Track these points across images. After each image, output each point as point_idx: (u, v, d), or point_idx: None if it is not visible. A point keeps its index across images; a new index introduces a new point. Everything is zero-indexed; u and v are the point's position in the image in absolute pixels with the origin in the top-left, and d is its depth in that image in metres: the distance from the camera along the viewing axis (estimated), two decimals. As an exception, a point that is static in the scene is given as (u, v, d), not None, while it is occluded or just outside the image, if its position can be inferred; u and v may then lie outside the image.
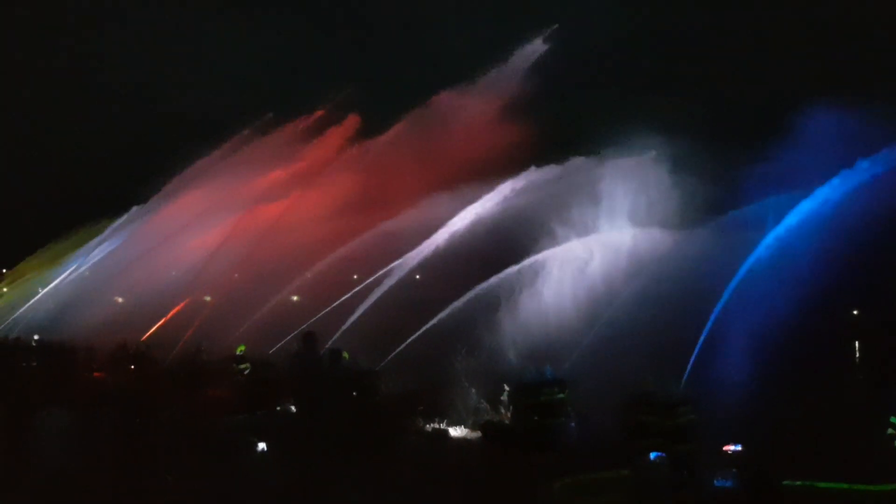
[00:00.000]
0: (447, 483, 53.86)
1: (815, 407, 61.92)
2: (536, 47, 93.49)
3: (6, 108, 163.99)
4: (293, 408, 75.27)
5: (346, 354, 77.99)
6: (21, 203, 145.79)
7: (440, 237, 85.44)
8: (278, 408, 75.33)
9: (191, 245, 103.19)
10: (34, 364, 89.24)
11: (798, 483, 47.88)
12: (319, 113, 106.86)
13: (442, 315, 77.73)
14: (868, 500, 47.28)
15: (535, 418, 62.34)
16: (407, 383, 70.64)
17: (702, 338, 62.67)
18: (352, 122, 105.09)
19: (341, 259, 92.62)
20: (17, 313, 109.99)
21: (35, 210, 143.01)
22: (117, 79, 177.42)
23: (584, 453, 55.91)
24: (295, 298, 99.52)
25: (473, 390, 67.69)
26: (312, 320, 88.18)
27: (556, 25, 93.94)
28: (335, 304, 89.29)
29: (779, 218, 67.83)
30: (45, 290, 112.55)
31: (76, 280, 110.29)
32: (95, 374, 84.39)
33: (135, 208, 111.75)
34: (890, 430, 55.40)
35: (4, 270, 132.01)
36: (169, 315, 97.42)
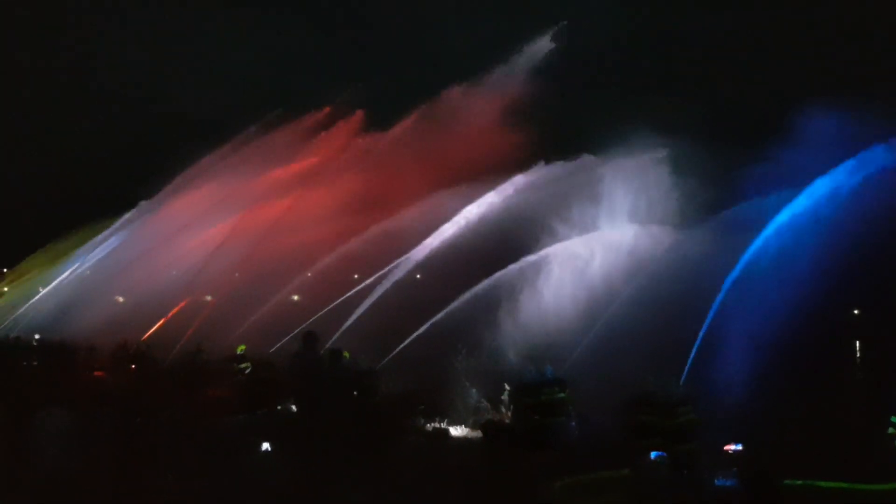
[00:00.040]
0: (447, 482, 53.84)
1: (815, 406, 62.03)
2: (544, 45, 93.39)
3: (6, 108, 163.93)
4: (294, 407, 75.28)
5: (346, 354, 77.95)
6: (21, 203, 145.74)
7: (440, 236, 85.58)
8: (279, 407, 75.35)
9: (192, 245, 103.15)
10: (34, 363, 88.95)
11: (799, 482, 47.91)
12: (320, 113, 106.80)
13: (441, 314, 77.84)
14: (869, 500, 47.32)
15: (536, 418, 62.36)
16: (407, 383, 70.63)
17: (699, 337, 62.78)
18: (353, 121, 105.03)
19: (342, 258, 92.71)
20: (18, 312, 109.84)
21: (35, 210, 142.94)
22: (117, 79, 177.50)
23: (585, 453, 55.94)
24: (295, 298, 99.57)
25: (474, 390, 67.77)
26: (312, 319, 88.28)
27: (565, 22, 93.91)
28: (336, 304, 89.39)
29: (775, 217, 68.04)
30: (46, 289, 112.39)
31: (77, 279, 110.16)
32: (96, 373, 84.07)
33: (143, 202, 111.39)
34: (891, 430, 55.49)
35: (5, 270, 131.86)
36: (169, 315, 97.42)
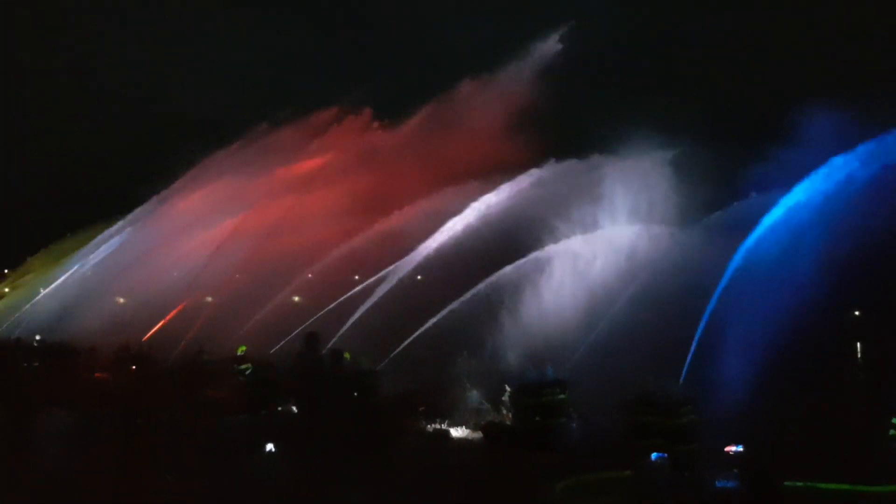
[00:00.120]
0: (449, 483, 53.92)
1: (815, 407, 62.07)
2: (552, 46, 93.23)
3: (6, 108, 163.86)
4: (294, 408, 75.33)
5: (347, 355, 78.04)
6: (22, 203, 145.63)
7: (440, 237, 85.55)
8: (280, 408, 75.40)
9: (193, 245, 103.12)
10: (36, 364, 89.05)
11: (799, 484, 48.02)
12: (321, 113, 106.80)
13: (441, 315, 77.83)
14: (869, 501, 47.38)
15: (537, 419, 62.51)
16: (408, 384, 70.73)
17: (696, 337, 62.75)
18: (356, 121, 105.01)
19: (343, 259, 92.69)
20: (19, 313, 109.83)
21: (36, 210, 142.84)
22: (117, 79, 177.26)
23: (586, 453, 56.07)
24: (296, 299, 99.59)
25: (475, 391, 67.83)
26: (312, 320, 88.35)
27: (573, 21, 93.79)
28: (335, 304, 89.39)
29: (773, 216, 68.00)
30: (47, 290, 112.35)
31: (77, 280, 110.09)
32: (97, 374, 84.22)
33: (154, 198, 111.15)
34: (891, 431, 55.53)
35: (6, 271, 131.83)
36: (170, 315, 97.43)
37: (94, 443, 66.16)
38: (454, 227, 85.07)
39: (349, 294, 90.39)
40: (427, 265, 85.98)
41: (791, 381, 65.57)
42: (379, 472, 56.29)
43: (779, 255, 65.71)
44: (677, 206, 74.50)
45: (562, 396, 63.30)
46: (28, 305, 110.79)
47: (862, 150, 66.23)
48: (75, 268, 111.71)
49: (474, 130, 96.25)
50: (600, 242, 75.93)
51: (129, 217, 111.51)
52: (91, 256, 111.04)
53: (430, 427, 67.22)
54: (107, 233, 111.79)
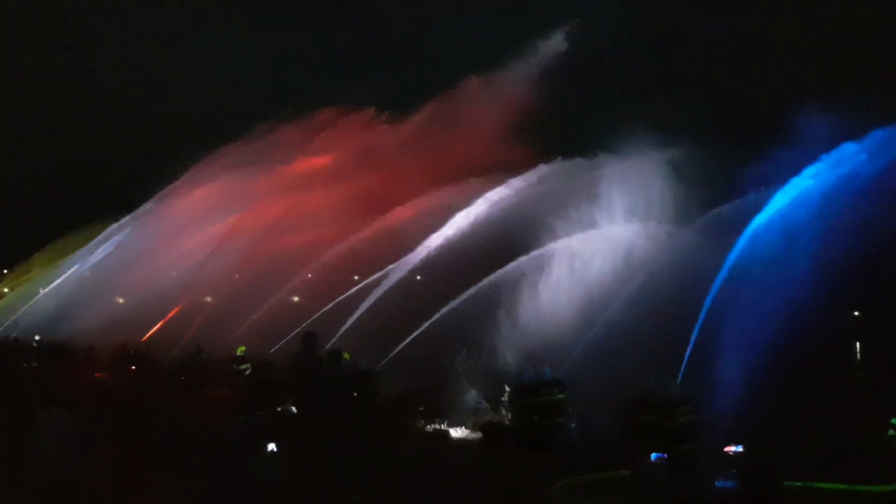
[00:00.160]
0: (448, 484, 53.91)
1: (815, 408, 62.02)
2: (557, 45, 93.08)
3: (6, 108, 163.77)
4: (294, 408, 75.30)
5: (346, 355, 78.01)
6: (21, 203, 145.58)
7: (439, 237, 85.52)
8: (279, 408, 75.38)
9: (192, 245, 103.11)
10: (34, 364, 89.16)
11: (799, 484, 47.96)
12: (320, 112, 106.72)
13: (440, 315, 77.79)
14: (868, 501, 47.35)
15: (535, 419, 62.40)
16: (407, 384, 70.73)
17: (693, 336, 62.64)
18: (354, 121, 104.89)
19: (342, 259, 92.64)
20: (18, 313, 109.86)
21: (35, 210, 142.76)
22: (117, 79, 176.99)
23: (584, 454, 55.98)
24: (295, 299, 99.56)
25: (474, 391, 67.78)
26: (311, 320, 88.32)
27: (579, 20, 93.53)
28: (335, 304, 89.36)
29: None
30: (46, 290, 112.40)
31: (76, 280, 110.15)
32: (96, 374, 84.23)
33: (154, 198, 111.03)
34: (891, 431, 55.48)
35: (5, 271, 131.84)
36: (169, 315, 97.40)
37: (94, 443, 66.25)
38: (453, 226, 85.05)
39: (348, 293, 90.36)
40: (426, 265, 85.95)
41: (790, 381, 65.49)
42: (378, 472, 56.32)
43: (778, 254, 65.60)
44: (677, 206, 74.39)
45: (560, 396, 63.18)
46: (27, 305, 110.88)
47: (872, 139, 65.42)
48: (74, 268, 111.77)
49: (474, 130, 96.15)
50: (599, 242, 75.84)
51: (128, 217, 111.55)
52: (90, 256, 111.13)
53: (429, 427, 67.19)
54: (106, 233, 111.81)
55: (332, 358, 77.94)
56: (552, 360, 65.87)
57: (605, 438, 57.17)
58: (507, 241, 79.76)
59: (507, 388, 65.78)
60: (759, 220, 67.66)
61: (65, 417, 73.23)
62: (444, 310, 77.84)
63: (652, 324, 65.14)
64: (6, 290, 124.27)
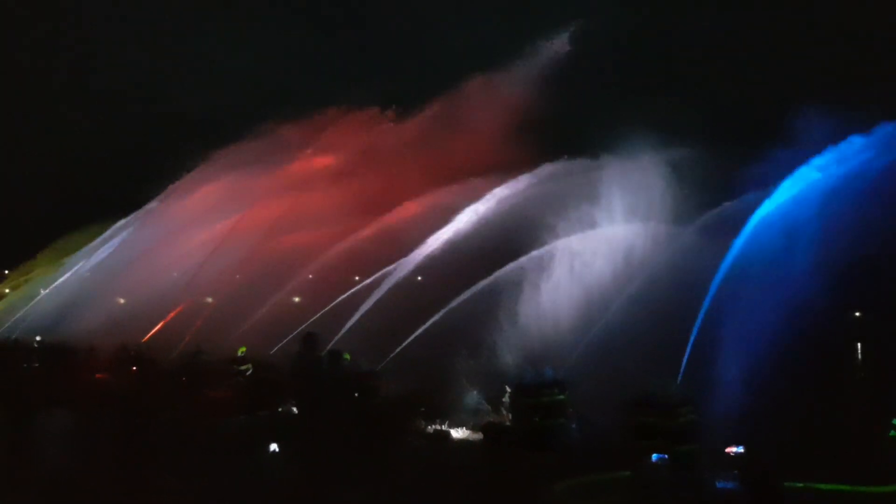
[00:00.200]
0: (449, 484, 53.95)
1: (816, 408, 62.05)
2: (561, 46, 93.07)
3: (6, 108, 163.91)
4: (294, 409, 75.34)
5: (347, 356, 78.00)
6: (22, 204, 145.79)
7: (439, 238, 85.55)
8: (280, 409, 75.44)
9: (193, 245, 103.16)
10: (35, 365, 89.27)
11: (800, 485, 47.98)
12: (320, 112, 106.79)
13: (440, 315, 77.80)
14: (869, 502, 47.39)
15: (536, 419, 62.44)
16: (408, 384, 70.75)
17: (692, 337, 62.59)
18: (353, 121, 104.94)
19: (343, 259, 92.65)
20: (19, 314, 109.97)
21: (36, 210, 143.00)
22: (117, 79, 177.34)
23: (585, 454, 56.02)
24: (296, 299, 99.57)
25: (474, 391, 67.81)
26: (311, 320, 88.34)
27: (581, 20, 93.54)
28: (335, 304, 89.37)
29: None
30: (47, 291, 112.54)
31: (77, 281, 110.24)
32: (97, 375, 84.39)
33: (154, 198, 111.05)
34: (892, 432, 55.51)
35: (6, 272, 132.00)
36: (170, 316, 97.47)
37: (95, 443, 66.34)
38: (454, 227, 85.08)
39: (348, 293, 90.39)
40: (426, 265, 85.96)
41: (792, 382, 65.52)
42: (379, 472, 56.36)
43: (779, 254, 65.54)
44: (677, 206, 74.39)
45: (561, 397, 63.24)
46: (28, 306, 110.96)
47: (879, 133, 64.50)
48: (75, 268, 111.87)
49: (474, 130, 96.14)
50: (599, 242, 75.83)
51: (129, 217, 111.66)
52: (91, 257, 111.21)
53: (429, 428, 67.17)
54: (107, 233, 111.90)
55: (332, 359, 77.93)
56: (553, 361, 65.90)
57: (605, 439, 57.15)
58: (507, 242, 79.78)
59: (508, 389, 65.71)
60: (766, 209, 67.18)
61: (66, 418, 73.33)
62: (444, 310, 77.89)
63: (652, 324, 65.08)
64: (7, 290, 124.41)
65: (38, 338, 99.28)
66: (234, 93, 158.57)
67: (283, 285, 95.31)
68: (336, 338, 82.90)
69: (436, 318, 77.98)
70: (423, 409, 68.07)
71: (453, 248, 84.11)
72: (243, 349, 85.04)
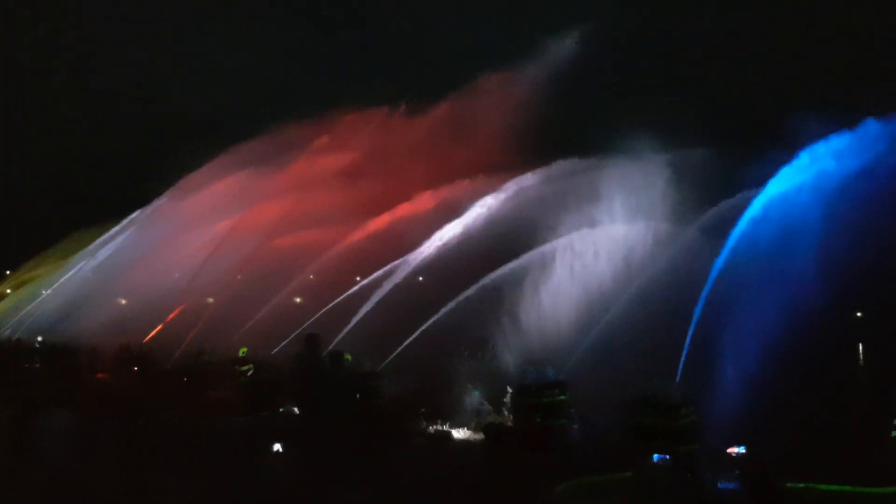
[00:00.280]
0: (450, 484, 54.06)
1: (817, 409, 62.10)
2: (567, 48, 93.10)
3: (6, 108, 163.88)
4: (296, 409, 75.40)
5: (348, 356, 78.02)
6: (22, 204, 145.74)
7: (440, 238, 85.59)
8: (281, 409, 75.52)
9: (194, 246, 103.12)
10: (37, 365, 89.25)
11: (801, 485, 48.09)
12: (321, 113, 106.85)
13: (441, 313, 77.82)
14: (870, 502, 47.48)
15: (538, 420, 62.51)
16: (409, 385, 70.81)
17: (689, 337, 62.58)
18: (355, 122, 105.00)
19: (344, 260, 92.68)
20: (21, 314, 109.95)
21: (37, 211, 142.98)
22: (117, 79, 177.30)
23: (587, 455, 56.13)
24: (298, 300, 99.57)
25: (476, 392, 67.88)
26: (312, 321, 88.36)
27: (587, 22, 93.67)
28: (336, 305, 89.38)
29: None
30: (49, 291, 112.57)
31: (79, 281, 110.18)
32: (98, 375, 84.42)
33: (155, 199, 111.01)
34: (893, 433, 55.60)
35: (8, 272, 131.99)
36: (171, 316, 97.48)
37: (96, 443, 66.46)
38: (454, 227, 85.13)
39: (348, 293, 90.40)
40: (427, 266, 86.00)
41: (793, 383, 65.55)
42: (380, 472, 56.47)
43: (780, 255, 65.55)
44: (677, 206, 74.41)
45: (562, 398, 63.31)
46: (30, 306, 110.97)
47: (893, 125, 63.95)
48: (77, 269, 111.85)
49: (475, 131, 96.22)
50: (599, 241, 75.85)
51: (130, 218, 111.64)
52: (93, 258, 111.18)
53: (431, 428, 67.30)
54: (108, 234, 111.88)
55: (333, 359, 77.94)
56: (554, 362, 65.98)
57: (606, 439, 57.25)
58: (508, 242, 79.85)
59: (510, 390, 65.80)
60: (756, 207, 67.09)
61: (67, 418, 73.40)
62: (444, 310, 77.91)
63: (653, 324, 65.14)
64: (9, 291, 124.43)
65: (39, 338, 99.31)
66: (234, 93, 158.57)
67: (285, 286, 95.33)
68: (337, 338, 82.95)
69: (436, 317, 78.04)
70: (424, 410, 68.20)
71: (453, 249, 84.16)
72: (244, 350, 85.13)
